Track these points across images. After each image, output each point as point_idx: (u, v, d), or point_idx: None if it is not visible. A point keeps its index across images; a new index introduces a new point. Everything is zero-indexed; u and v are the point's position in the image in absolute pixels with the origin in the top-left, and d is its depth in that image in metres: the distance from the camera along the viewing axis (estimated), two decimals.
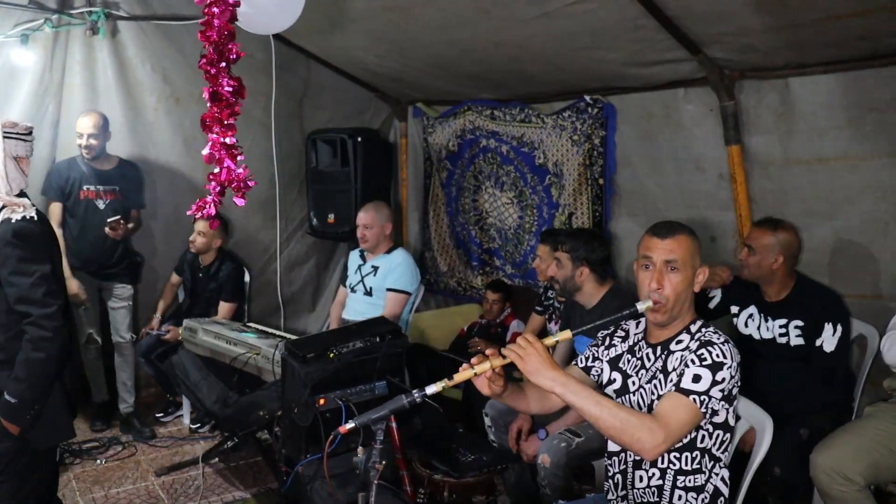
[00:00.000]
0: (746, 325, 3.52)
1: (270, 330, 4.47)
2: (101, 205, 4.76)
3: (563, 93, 4.67)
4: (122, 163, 4.94)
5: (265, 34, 3.42)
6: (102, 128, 4.73)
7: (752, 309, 3.50)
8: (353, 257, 4.83)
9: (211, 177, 2.90)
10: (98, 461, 4.62)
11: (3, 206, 2.78)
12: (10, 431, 2.71)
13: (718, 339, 2.28)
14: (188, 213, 3.17)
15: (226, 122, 2.72)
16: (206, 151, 2.87)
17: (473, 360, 2.26)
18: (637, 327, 2.58)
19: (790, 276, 3.39)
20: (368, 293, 4.66)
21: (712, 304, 3.63)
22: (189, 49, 5.13)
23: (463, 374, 2.23)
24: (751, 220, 3.87)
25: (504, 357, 2.22)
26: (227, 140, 2.76)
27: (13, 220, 2.71)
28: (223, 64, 2.71)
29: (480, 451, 3.35)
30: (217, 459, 4.61)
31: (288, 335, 4.30)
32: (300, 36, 5.20)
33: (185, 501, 4.17)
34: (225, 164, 2.76)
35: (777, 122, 3.75)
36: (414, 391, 2.21)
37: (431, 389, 2.19)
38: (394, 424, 3.30)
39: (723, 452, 2.38)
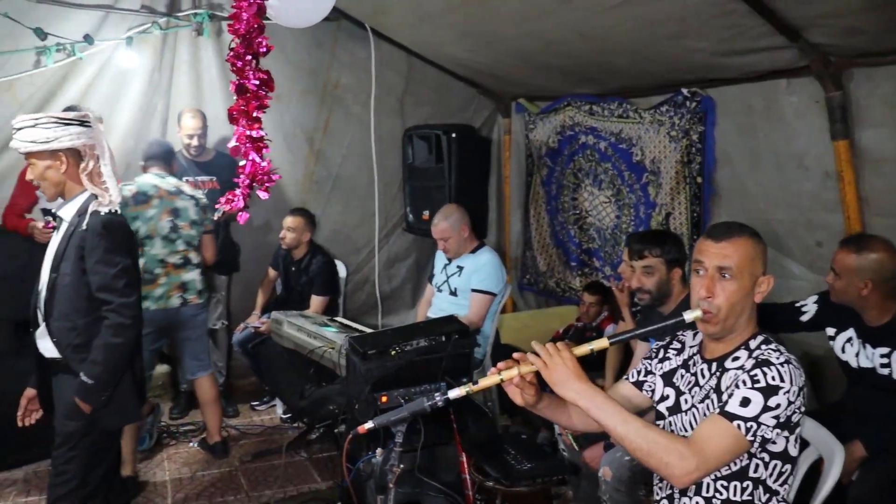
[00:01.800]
0: (844, 350, 3.10)
1: (353, 325, 4.48)
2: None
3: (659, 86, 4.42)
4: (219, 154, 5.11)
5: (294, 27, 3.40)
6: (205, 126, 4.92)
7: (851, 332, 3.08)
8: (440, 256, 4.77)
9: (239, 170, 2.90)
10: (192, 443, 4.79)
11: (92, 197, 2.91)
12: (82, 410, 2.85)
13: (778, 358, 2.01)
14: (217, 206, 3.20)
15: (253, 115, 2.69)
16: (232, 144, 2.86)
17: (500, 365, 2.12)
18: (694, 339, 2.35)
19: (891, 298, 2.94)
20: (453, 293, 4.58)
21: (805, 318, 3.28)
22: (289, 47, 5.24)
23: (489, 380, 2.10)
24: (861, 223, 3.51)
25: (532, 365, 2.07)
26: (254, 133, 2.73)
27: (101, 213, 2.86)
28: (250, 57, 2.67)
29: (538, 460, 3.21)
30: (300, 451, 4.67)
31: (367, 330, 4.29)
32: (396, 32, 5.19)
33: (263, 489, 4.25)
34: (250, 157, 2.73)
35: (891, 114, 3.35)
36: (436, 394, 2.11)
37: (454, 393, 2.09)
38: (455, 426, 3.23)
39: (781, 485, 2.09)
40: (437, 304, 4.66)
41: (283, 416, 5.21)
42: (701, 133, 4.23)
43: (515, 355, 2.12)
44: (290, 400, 4.31)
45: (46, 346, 2.96)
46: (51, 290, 2.91)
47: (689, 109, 4.26)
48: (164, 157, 4.45)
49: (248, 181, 2.83)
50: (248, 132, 2.72)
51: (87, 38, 4.70)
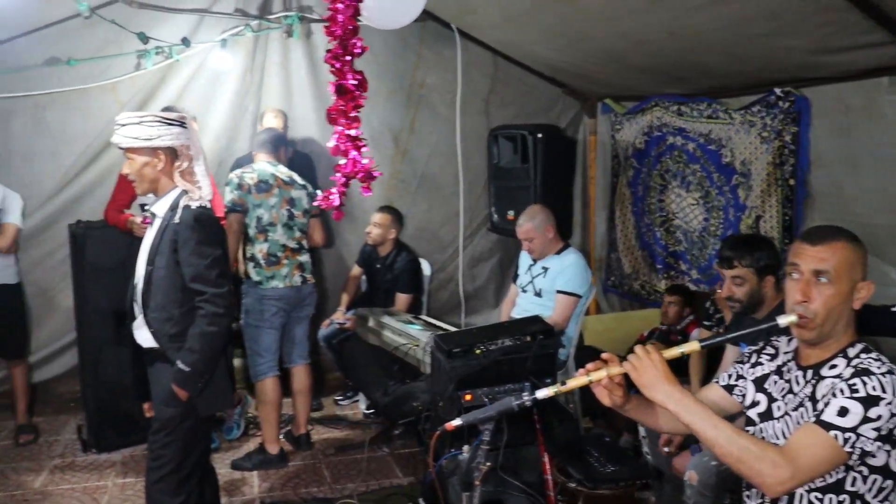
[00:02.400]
0: None
1: (437, 322, 4.52)
2: None
3: (750, 85, 4.32)
4: (297, 154, 5.22)
5: (388, 28, 3.44)
6: (285, 126, 5.06)
7: None
8: (524, 256, 4.76)
9: (337, 168, 2.96)
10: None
11: (183, 193, 3.03)
12: (179, 398, 2.96)
13: (879, 368, 1.94)
14: (314, 203, 3.28)
15: (350, 115, 2.74)
16: (331, 143, 2.92)
17: (589, 366, 2.12)
18: (788, 345, 2.28)
19: None
20: (538, 294, 4.56)
21: None
22: (377, 48, 5.29)
23: (577, 381, 2.10)
24: None
25: (622, 367, 2.06)
26: (353, 132, 2.78)
27: (192, 207, 2.97)
28: (348, 58, 2.73)
29: (621, 464, 3.18)
30: (383, 446, 4.73)
31: (452, 328, 4.33)
32: (483, 32, 5.21)
33: (345, 482, 4.33)
34: (351, 156, 2.78)
35: None
36: (524, 394, 2.12)
37: (542, 393, 2.09)
38: (538, 426, 3.23)
39: (882, 501, 2.00)
40: (521, 305, 4.66)
41: (366, 412, 5.29)
42: (794, 134, 4.12)
43: (604, 356, 2.11)
44: (374, 396, 4.38)
45: (143, 337, 3.08)
46: (147, 282, 3.02)
47: (782, 109, 4.15)
48: (274, 145, 4.57)
49: (344, 179, 2.88)
50: (347, 131, 2.78)
51: (185, 41, 4.87)
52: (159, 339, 3.02)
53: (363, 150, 2.90)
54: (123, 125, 2.95)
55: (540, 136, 5.23)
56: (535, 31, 4.60)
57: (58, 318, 5.33)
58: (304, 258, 4.53)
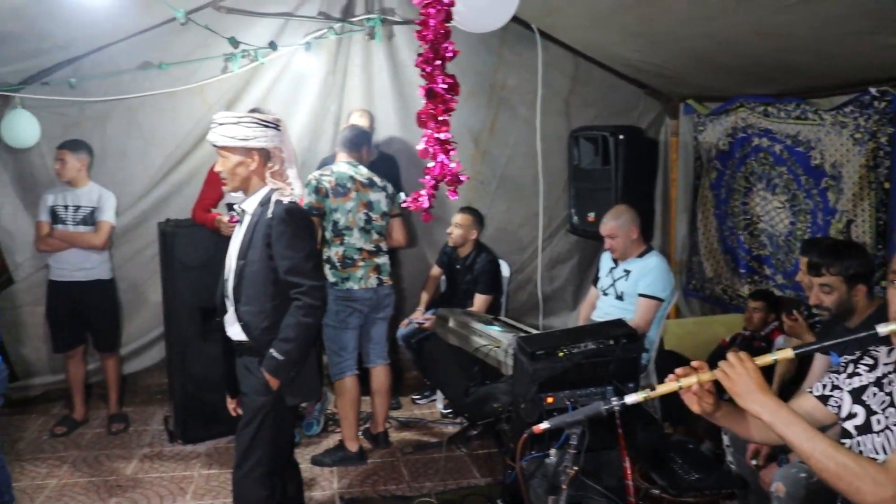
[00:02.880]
0: None
1: (517, 324, 4.52)
2: None
3: (842, 85, 4.19)
4: (383, 155, 5.27)
5: (480, 32, 3.44)
6: (372, 127, 5.12)
7: None
8: (605, 259, 4.72)
9: (426, 171, 2.98)
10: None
11: (272, 190, 3.09)
12: (270, 386, 3.03)
13: None
14: (402, 204, 3.31)
15: (440, 118, 2.76)
16: (420, 146, 2.95)
17: (679, 372, 2.09)
18: (889, 356, 2.20)
19: None
20: (619, 297, 4.52)
21: None
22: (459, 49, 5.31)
23: (667, 386, 2.08)
24: None
25: (713, 373, 2.03)
26: (442, 136, 2.80)
27: (284, 202, 3.03)
28: (438, 62, 2.74)
29: (706, 472, 3.13)
30: (460, 446, 4.75)
31: (532, 330, 4.32)
32: (565, 33, 5.18)
33: (423, 481, 4.36)
34: (439, 159, 2.80)
35: None
36: (613, 399, 2.11)
37: (631, 399, 2.08)
38: (620, 431, 3.19)
39: None
40: (601, 308, 4.62)
41: (444, 411, 5.33)
42: (890, 135, 3.98)
43: (693, 363, 2.08)
44: (453, 395, 4.41)
45: (234, 330, 3.15)
46: (238, 277, 3.08)
47: (878, 110, 4.02)
48: (356, 144, 4.57)
49: (433, 182, 2.91)
50: (436, 134, 2.80)
51: (272, 45, 4.98)
52: (250, 333, 3.07)
53: (451, 153, 2.91)
54: (221, 124, 3.02)
55: (622, 137, 5.18)
56: (618, 32, 4.55)
57: (147, 312, 5.53)
58: (381, 260, 4.56)
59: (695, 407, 2.12)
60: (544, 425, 2.16)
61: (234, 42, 4.84)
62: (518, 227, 5.93)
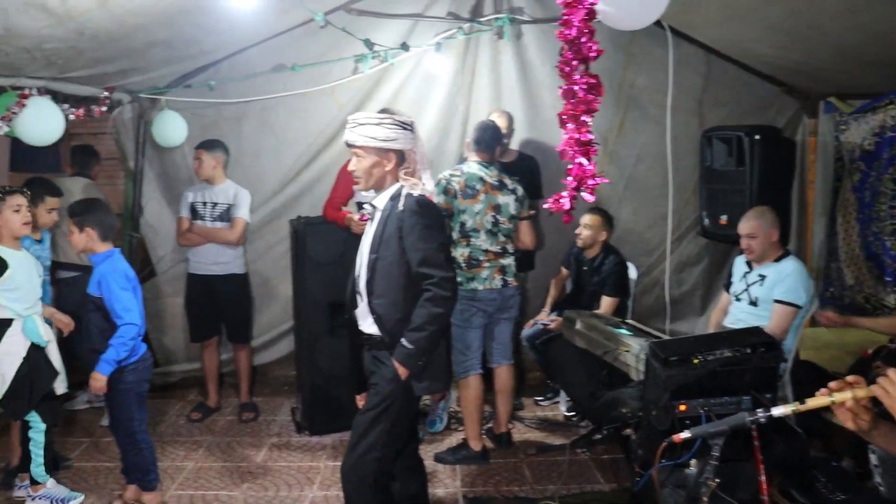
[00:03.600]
0: None
1: (646, 329, 4.40)
2: None
3: None
4: (522, 156, 5.25)
5: (626, 30, 3.35)
6: (510, 127, 5.09)
7: None
8: (739, 263, 4.54)
9: (568, 172, 2.94)
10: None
11: (402, 186, 3.13)
12: (399, 376, 3.07)
13: None
14: (544, 205, 3.27)
15: (581, 119, 2.71)
16: (560, 147, 2.90)
17: (832, 386, 1.98)
18: None
19: None
20: (753, 303, 4.34)
21: None
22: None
23: (818, 400, 1.97)
24: None
25: (870, 389, 1.91)
26: (582, 137, 2.75)
27: (414, 195, 3.07)
28: (577, 62, 2.69)
29: (853, 493, 2.96)
30: (584, 450, 4.69)
31: (662, 335, 4.21)
32: (699, 30, 5.02)
33: (546, 483, 4.32)
34: (576, 161, 2.75)
35: None
36: (758, 411, 2.02)
37: (779, 411, 1.99)
38: (757, 444, 3.07)
39: None
40: (733, 314, 4.45)
41: (567, 413, 5.27)
42: None
43: (849, 378, 1.97)
44: (579, 398, 4.35)
45: (367, 324, 3.20)
46: (371, 271, 3.13)
47: None
48: (489, 145, 4.55)
49: (574, 183, 2.87)
50: (576, 136, 2.76)
51: (404, 46, 5.04)
52: (383, 325, 3.12)
53: (592, 155, 2.86)
54: (361, 124, 3.07)
55: (757, 137, 4.97)
56: (757, 28, 4.36)
57: (277, 306, 5.71)
58: (507, 261, 4.54)
59: (849, 424, 2.00)
60: (685, 434, 2.10)
61: (369, 44, 4.93)
62: (646, 229, 5.80)
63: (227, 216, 5.09)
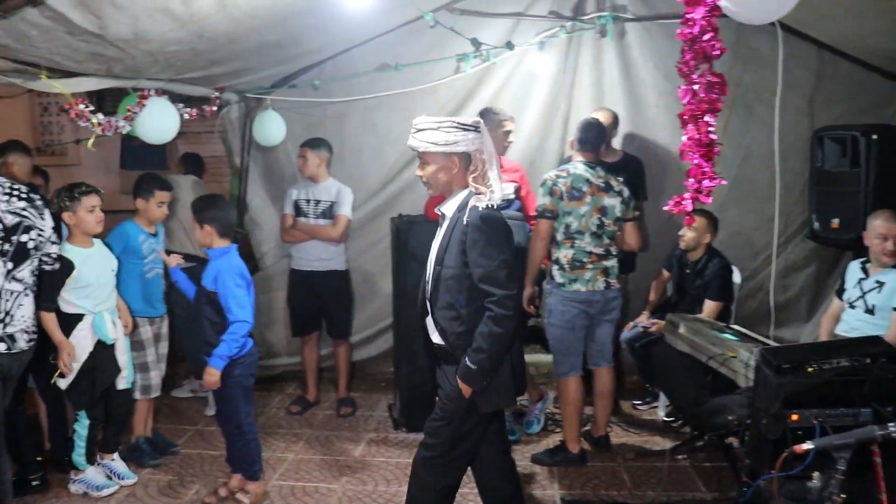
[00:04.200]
0: None
1: (753, 334, 4.28)
2: None
3: None
4: (627, 156, 5.17)
5: (755, 24, 3.23)
6: (611, 125, 5.02)
7: None
8: (853, 269, 4.35)
9: (688, 173, 2.88)
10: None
11: (472, 193, 3.05)
12: (463, 393, 3.03)
13: None
14: (664, 208, 3.20)
15: (703, 119, 2.65)
16: (680, 148, 2.84)
17: None
18: None
19: None
20: (869, 311, 4.15)
21: None
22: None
23: None
24: None
25: None
26: (703, 138, 2.68)
27: (480, 208, 2.98)
28: (697, 61, 2.63)
29: None
30: (684, 456, 4.59)
31: (770, 342, 4.09)
32: (811, 25, 4.84)
33: (645, 489, 4.25)
34: (695, 161, 2.69)
35: None
36: (890, 425, 1.94)
37: None
38: (878, 459, 2.94)
39: None
40: (847, 322, 4.27)
41: (665, 418, 5.17)
42: None
43: None
44: (682, 404, 4.26)
45: (434, 334, 3.18)
46: (435, 282, 3.11)
47: None
48: (595, 145, 4.48)
49: (696, 185, 2.81)
50: (697, 136, 2.70)
51: (509, 45, 5.03)
52: (446, 337, 3.09)
53: (714, 156, 2.79)
54: (421, 129, 3.01)
55: (875, 137, 4.75)
56: (880, 21, 4.18)
57: (377, 303, 5.79)
58: (610, 263, 4.48)
59: None
60: (807, 445, 2.03)
61: (476, 43, 4.96)
62: (751, 232, 5.63)
63: (329, 213, 5.19)
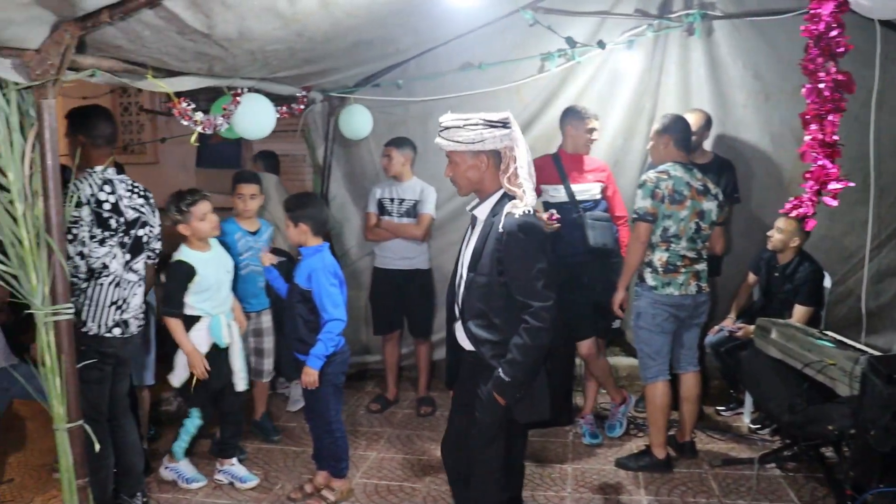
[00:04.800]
0: None
1: (850, 342, 4.16)
2: None
3: None
4: (717, 158, 5.06)
5: (889, 18, 3.08)
6: (703, 126, 4.92)
7: None
8: None
9: (807, 175, 2.79)
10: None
11: (505, 196, 2.98)
12: (498, 403, 2.97)
13: None
14: (781, 210, 3.11)
15: (828, 119, 2.57)
16: (802, 149, 2.76)
17: None
18: None
19: None
20: None
21: None
22: (783, 44, 4.97)
23: None
24: None
25: None
26: (827, 138, 2.60)
27: (516, 215, 2.88)
28: (824, 59, 2.55)
29: None
30: (774, 465, 4.48)
31: (869, 350, 3.96)
32: None
33: (735, 498, 4.16)
34: (819, 163, 2.61)
35: None
36: None
37: None
38: None
39: None
40: None
41: (752, 426, 5.06)
42: None
43: None
44: (775, 411, 4.14)
45: (464, 340, 3.12)
46: (468, 290, 3.03)
47: None
48: (688, 141, 4.41)
49: (816, 187, 2.73)
50: (819, 137, 2.63)
51: (600, 44, 4.96)
52: (477, 345, 3.02)
53: (836, 157, 2.71)
54: (447, 128, 2.94)
55: None
56: None
57: None
58: (702, 267, 4.40)
59: None
60: None
61: (571, 42, 4.92)
62: (842, 235, 5.44)
63: (413, 212, 5.20)
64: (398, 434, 5.10)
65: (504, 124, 2.91)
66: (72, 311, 2.89)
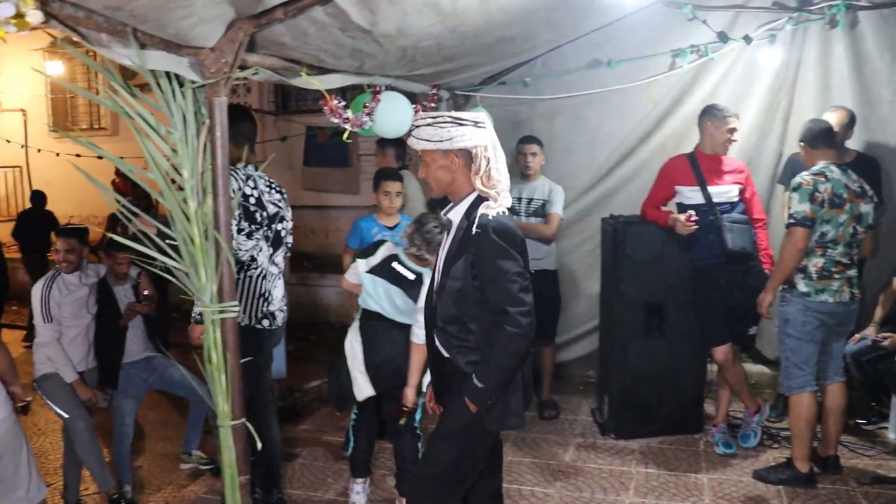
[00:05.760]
0: None
1: None
2: None
3: None
4: (861, 157, 4.81)
5: None
6: (846, 125, 4.68)
7: None
8: None
9: None
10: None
11: (480, 198, 2.81)
12: (469, 409, 2.79)
13: None
14: None
15: None
16: None
17: None
18: None
19: None
20: None
21: None
22: None
23: None
24: None
25: None
26: None
27: (490, 216, 2.73)
28: None
29: None
30: None
31: None
32: None
33: None
34: None
35: None
36: None
37: None
38: None
39: None
40: None
41: None
42: None
43: None
44: None
45: (440, 346, 2.96)
46: (439, 293, 2.90)
47: None
48: (833, 140, 4.22)
49: None
50: None
51: (746, 38, 4.80)
52: (451, 351, 2.89)
53: None
54: (417, 126, 2.83)
55: None
56: None
57: (582, 305, 5.69)
58: (853, 272, 4.19)
59: None
60: None
61: (724, 38, 4.81)
62: None
63: (541, 212, 5.11)
64: (524, 437, 5.01)
65: (475, 123, 2.78)
66: (237, 308, 2.91)
